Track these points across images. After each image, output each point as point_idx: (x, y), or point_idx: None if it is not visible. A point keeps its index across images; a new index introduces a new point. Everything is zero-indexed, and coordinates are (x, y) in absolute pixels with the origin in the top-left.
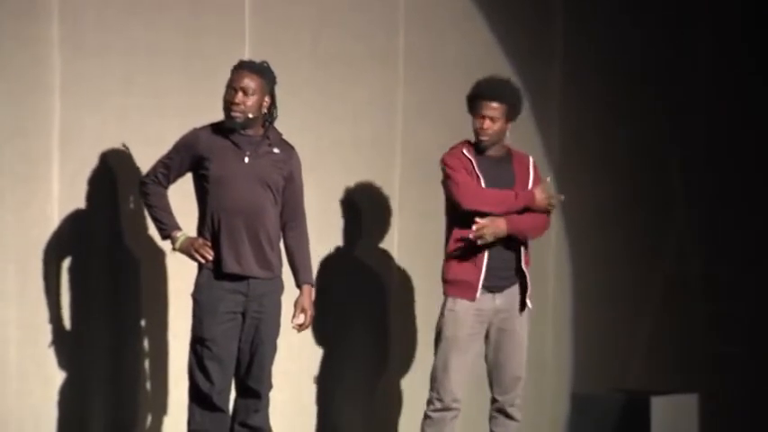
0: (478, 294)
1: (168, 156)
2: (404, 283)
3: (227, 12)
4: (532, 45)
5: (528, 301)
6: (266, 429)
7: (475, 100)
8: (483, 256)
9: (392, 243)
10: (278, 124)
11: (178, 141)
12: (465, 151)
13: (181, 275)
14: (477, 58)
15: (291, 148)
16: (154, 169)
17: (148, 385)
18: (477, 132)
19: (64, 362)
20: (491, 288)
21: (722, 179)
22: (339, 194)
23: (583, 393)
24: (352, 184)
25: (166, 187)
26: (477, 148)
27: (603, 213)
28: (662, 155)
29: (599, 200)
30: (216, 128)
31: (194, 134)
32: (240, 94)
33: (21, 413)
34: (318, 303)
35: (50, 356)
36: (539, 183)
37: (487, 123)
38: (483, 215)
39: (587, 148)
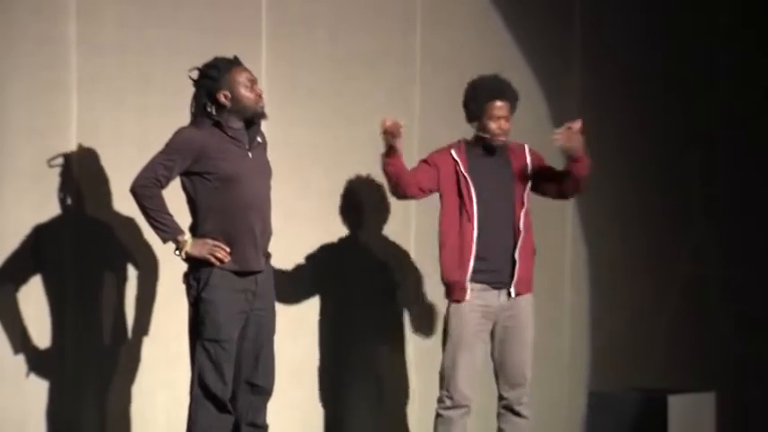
0: (469, 295)
1: (168, 157)
2: (420, 280)
3: (244, 10)
4: (550, 44)
5: (512, 290)
6: (267, 427)
7: (485, 102)
8: (470, 253)
9: (409, 242)
10: (295, 124)
11: (176, 142)
12: (454, 153)
13: None
14: (495, 58)
15: (261, 131)
16: (153, 171)
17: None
18: (494, 133)
19: (76, 362)
20: (496, 285)
21: (741, 180)
22: (357, 193)
23: (600, 391)
24: (369, 182)
25: (163, 189)
26: (476, 143)
27: (622, 213)
28: (681, 155)
29: (617, 199)
30: (207, 125)
31: (191, 133)
32: (257, 86)
33: (38, 414)
34: (334, 301)
35: (63, 356)
36: (540, 161)
37: (504, 123)
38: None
39: (606, 148)
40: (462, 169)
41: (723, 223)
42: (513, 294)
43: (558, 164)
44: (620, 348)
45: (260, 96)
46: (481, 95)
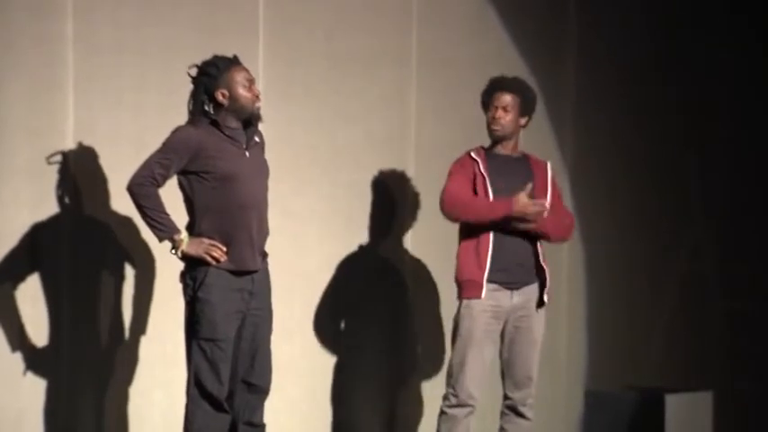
0: (484, 293)
1: (165, 156)
2: (418, 280)
3: (240, 9)
4: (546, 44)
5: (545, 297)
6: (264, 426)
7: (487, 94)
8: (486, 253)
9: (406, 241)
10: (292, 122)
11: (173, 141)
12: (473, 153)
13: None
14: (491, 57)
15: (260, 131)
16: (149, 170)
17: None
18: (489, 124)
19: (73, 361)
20: (509, 285)
21: (738, 177)
22: (353, 192)
23: (597, 391)
24: (365, 182)
25: (160, 188)
26: (491, 147)
27: (618, 212)
28: (677, 153)
29: (614, 199)
30: (205, 124)
31: (188, 132)
32: (255, 86)
33: (36, 413)
34: (333, 301)
35: (59, 355)
36: (556, 190)
37: (500, 113)
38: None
39: (601, 148)
40: (482, 168)
41: (721, 222)
42: (546, 301)
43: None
44: (618, 347)
45: (257, 97)
46: (488, 88)
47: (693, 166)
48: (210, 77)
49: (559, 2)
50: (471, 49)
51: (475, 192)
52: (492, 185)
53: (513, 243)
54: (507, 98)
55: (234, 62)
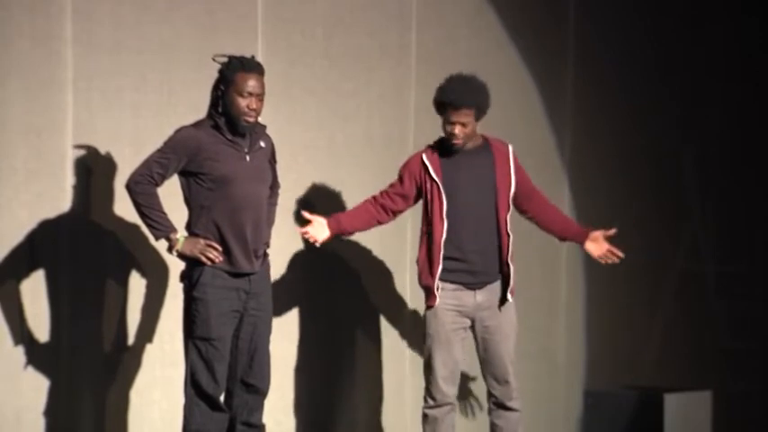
0: (439, 300)
1: (164, 155)
2: (415, 279)
3: (240, 9)
4: (545, 43)
5: (509, 296)
6: (264, 427)
7: (442, 107)
8: (438, 259)
9: (404, 240)
10: (292, 122)
11: (174, 141)
12: (425, 157)
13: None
14: (490, 56)
15: (268, 135)
16: (147, 168)
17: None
18: (449, 137)
19: (72, 360)
20: (470, 285)
21: (737, 176)
22: (352, 191)
23: (596, 390)
24: (365, 181)
25: (158, 187)
26: (449, 148)
27: (617, 212)
28: (676, 152)
29: (612, 198)
30: (207, 126)
31: (190, 133)
32: (256, 99)
33: (35, 411)
34: (329, 301)
35: (58, 355)
36: (521, 171)
37: (458, 129)
38: None
39: (600, 147)
40: (432, 172)
41: (718, 221)
42: (509, 299)
43: (534, 171)
44: (616, 347)
45: (252, 110)
46: (439, 101)
47: (693, 165)
48: (220, 74)
49: (559, 2)
50: (470, 49)
51: (432, 196)
52: (446, 187)
53: (472, 241)
54: (464, 112)
55: (246, 67)
